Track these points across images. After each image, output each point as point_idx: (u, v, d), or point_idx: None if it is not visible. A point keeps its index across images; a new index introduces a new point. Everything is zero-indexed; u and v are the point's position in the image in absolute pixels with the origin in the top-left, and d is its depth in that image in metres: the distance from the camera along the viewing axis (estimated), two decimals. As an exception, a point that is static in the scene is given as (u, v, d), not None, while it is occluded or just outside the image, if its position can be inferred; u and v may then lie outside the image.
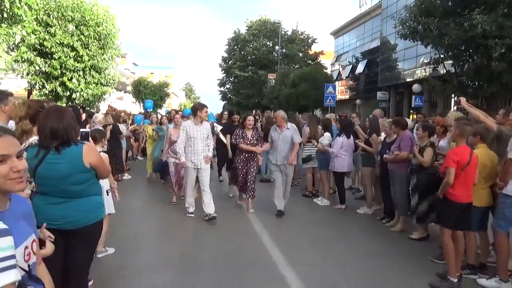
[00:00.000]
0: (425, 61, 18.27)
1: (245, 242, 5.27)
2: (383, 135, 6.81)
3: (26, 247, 1.39)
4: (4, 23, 9.67)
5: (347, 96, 35.04)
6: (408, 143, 5.70)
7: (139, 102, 43.65)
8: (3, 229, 1.06)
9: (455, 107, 5.28)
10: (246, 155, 6.83)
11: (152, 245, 5.12)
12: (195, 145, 6.17)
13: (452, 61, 11.87)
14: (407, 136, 5.86)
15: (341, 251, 5.01)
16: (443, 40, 10.46)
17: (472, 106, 5.02)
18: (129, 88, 45.51)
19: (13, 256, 1.06)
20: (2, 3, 9.09)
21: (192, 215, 6.37)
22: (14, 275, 1.05)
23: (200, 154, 6.19)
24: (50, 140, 2.59)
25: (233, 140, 7.02)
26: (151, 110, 16.90)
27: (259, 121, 11.52)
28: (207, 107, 6.39)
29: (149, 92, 42.26)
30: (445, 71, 12.55)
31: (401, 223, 5.96)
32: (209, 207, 6.17)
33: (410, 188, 5.54)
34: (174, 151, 6.89)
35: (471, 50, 10.60)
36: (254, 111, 23.35)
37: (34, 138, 3.10)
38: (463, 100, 5.11)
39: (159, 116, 11.42)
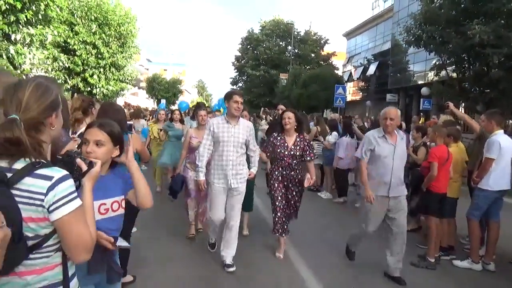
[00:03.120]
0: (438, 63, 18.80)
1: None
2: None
3: (104, 204, 1.93)
4: (40, 24, 10.56)
5: (358, 97, 35.49)
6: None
7: (153, 98, 44.77)
8: (67, 174, 1.32)
9: (446, 111, 5.78)
10: (284, 172, 4.53)
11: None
12: (225, 154, 4.08)
13: (454, 67, 12.44)
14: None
15: (336, 233, 5.69)
16: (445, 48, 11.06)
17: (458, 111, 5.68)
18: (142, 84, 46.61)
19: (76, 191, 1.34)
20: (38, 5, 9.96)
21: (213, 250, 4.69)
22: (79, 202, 1.34)
23: (233, 167, 4.10)
24: None
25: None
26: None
27: (264, 119, 10.73)
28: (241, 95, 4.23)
29: (163, 89, 43.38)
30: (447, 76, 13.12)
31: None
32: (229, 251, 4.25)
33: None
34: (195, 161, 4.77)
35: (471, 58, 11.17)
36: (262, 108, 21.18)
37: (83, 127, 3.88)
38: (451, 105, 5.75)
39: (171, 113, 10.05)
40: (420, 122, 11.74)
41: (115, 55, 18.58)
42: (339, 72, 36.64)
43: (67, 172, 1.32)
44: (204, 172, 4.18)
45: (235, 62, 43.05)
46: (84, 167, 1.53)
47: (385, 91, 28.03)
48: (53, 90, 1.39)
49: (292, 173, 4.56)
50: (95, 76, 18.36)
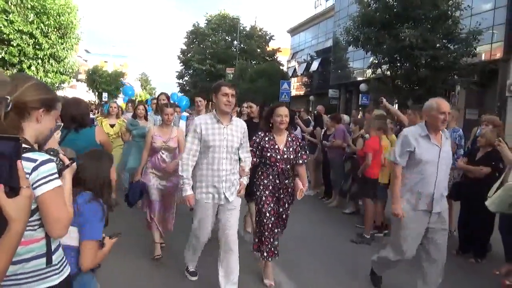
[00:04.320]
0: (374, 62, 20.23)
1: None
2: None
3: None
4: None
5: (302, 92, 36.77)
6: (341, 134, 7.03)
7: (93, 91, 42.95)
8: (50, 158, 1.47)
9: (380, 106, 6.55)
10: (276, 181, 3.69)
11: None
12: (217, 162, 3.30)
13: (388, 66, 13.63)
14: (340, 128, 7.19)
15: (332, 245, 5.50)
16: (380, 48, 12.14)
17: (390, 105, 6.44)
18: (81, 76, 44.51)
19: (57, 174, 1.49)
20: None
21: (195, 278, 3.83)
22: (60, 182, 1.49)
23: (227, 178, 3.34)
24: (71, 122, 3.54)
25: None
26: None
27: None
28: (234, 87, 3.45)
29: (104, 82, 41.76)
30: (382, 74, 14.34)
31: (337, 201, 7.30)
32: (231, 279, 3.44)
33: (345, 172, 6.83)
34: (158, 166, 4.24)
35: (402, 58, 12.35)
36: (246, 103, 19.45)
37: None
38: (384, 100, 6.49)
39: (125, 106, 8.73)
40: (358, 117, 12.76)
41: (54, 46, 17.77)
42: (284, 68, 37.71)
43: (50, 157, 1.47)
44: (191, 185, 3.32)
45: (181, 55, 42.57)
46: (67, 161, 1.71)
47: (327, 87, 29.42)
48: (53, 93, 1.62)
49: (286, 181, 3.68)
50: (33, 68, 17.48)
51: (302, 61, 36.53)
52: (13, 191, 1.12)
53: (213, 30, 39.93)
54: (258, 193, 3.71)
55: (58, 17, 17.19)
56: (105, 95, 36.45)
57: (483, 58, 15.01)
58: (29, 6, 16.47)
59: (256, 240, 3.81)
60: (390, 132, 6.14)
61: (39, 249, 1.48)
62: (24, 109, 1.47)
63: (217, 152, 3.27)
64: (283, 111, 3.69)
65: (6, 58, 16.62)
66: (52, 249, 1.52)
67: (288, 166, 3.72)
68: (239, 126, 3.42)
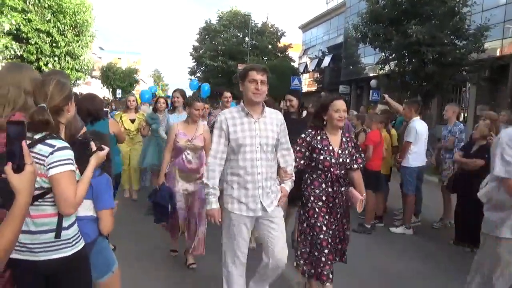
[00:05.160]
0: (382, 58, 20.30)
1: None
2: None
3: None
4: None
5: (313, 88, 36.83)
6: (345, 128, 7.26)
7: (108, 87, 43.69)
8: (67, 146, 1.74)
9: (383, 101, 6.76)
10: (330, 190, 3.07)
11: None
12: (250, 164, 2.67)
13: (396, 63, 13.73)
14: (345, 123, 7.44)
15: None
16: (388, 45, 12.27)
17: (392, 101, 6.67)
18: (95, 73, 45.32)
19: (72, 160, 1.74)
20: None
21: None
22: (72, 168, 1.73)
23: (263, 183, 2.69)
24: (86, 116, 3.87)
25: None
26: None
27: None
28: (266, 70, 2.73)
29: (118, 78, 42.45)
30: (390, 70, 14.45)
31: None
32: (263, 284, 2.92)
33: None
34: (183, 167, 3.78)
35: (410, 54, 12.46)
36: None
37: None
38: (387, 96, 6.74)
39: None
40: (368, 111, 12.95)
41: (70, 44, 18.30)
42: (295, 64, 37.78)
43: (68, 145, 1.72)
44: (218, 196, 2.70)
45: (193, 52, 42.96)
46: (93, 146, 2.01)
47: (338, 82, 29.45)
48: (68, 85, 1.93)
49: (342, 189, 3.10)
50: (49, 65, 18.01)
51: (314, 57, 36.54)
52: (19, 167, 1.28)
53: (224, 26, 40.18)
54: (308, 205, 3.04)
55: (74, 15, 17.71)
56: (119, 91, 37.11)
57: (495, 54, 14.96)
58: (46, 5, 17.01)
59: (303, 260, 3.08)
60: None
61: (52, 224, 1.74)
62: (59, 109, 1.83)
63: (248, 152, 2.62)
64: (341, 105, 3.06)
65: (24, 56, 17.20)
66: (67, 226, 1.77)
67: (343, 172, 3.10)
68: (274, 119, 2.75)
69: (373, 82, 23.20)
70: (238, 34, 40.80)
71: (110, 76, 42.10)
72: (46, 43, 17.45)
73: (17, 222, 1.26)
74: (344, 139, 3.17)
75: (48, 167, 1.67)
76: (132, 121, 6.16)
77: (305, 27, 40.11)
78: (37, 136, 1.69)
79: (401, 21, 12.01)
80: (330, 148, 3.07)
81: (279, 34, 40.66)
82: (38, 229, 1.71)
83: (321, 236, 2.98)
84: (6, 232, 1.22)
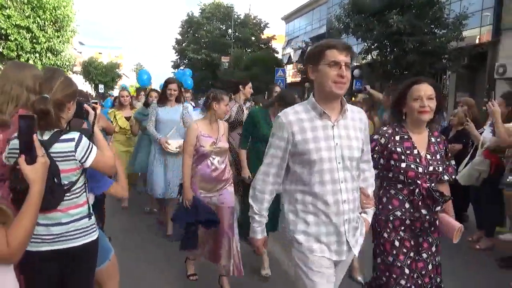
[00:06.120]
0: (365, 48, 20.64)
1: None
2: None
3: None
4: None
5: (298, 79, 37.01)
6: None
7: (90, 83, 43.06)
8: (80, 134, 1.83)
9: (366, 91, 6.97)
10: (415, 213, 2.23)
11: None
12: (329, 187, 1.82)
13: (378, 52, 14.03)
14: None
15: None
16: (370, 35, 12.53)
17: (374, 91, 6.89)
18: (76, 68, 44.56)
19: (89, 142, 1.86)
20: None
21: None
22: (95, 147, 1.88)
23: (349, 212, 1.86)
24: None
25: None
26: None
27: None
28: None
29: (100, 73, 41.90)
30: (372, 60, 14.76)
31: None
32: None
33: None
34: (208, 176, 3.14)
35: (391, 44, 12.75)
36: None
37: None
38: (368, 87, 6.95)
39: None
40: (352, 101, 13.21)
41: (51, 40, 17.99)
42: (279, 55, 37.88)
43: (78, 132, 1.82)
44: (264, 224, 2.00)
45: (176, 45, 42.61)
46: (89, 109, 2.09)
47: (322, 73, 29.62)
48: (75, 85, 2.04)
49: (436, 209, 2.21)
50: (30, 61, 17.68)
51: (297, 48, 36.61)
52: (31, 159, 1.38)
53: (207, 19, 39.94)
54: (384, 236, 2.22)
55: (54, 10, 17.38)
56: (101, 86, 36.67)
57: (473, 41, 15.38)
58: (25, 0, 16.67)
59: None
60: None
61: (85, 211, 1.90)
62: (62, 104, 1.90)
63: (327, 172, 1.80)
64: (426, 89, 2.15)
65: (4, 53, 16.86)
66: (91, 212, 1.95)
67: (434, 185, 2.23)
68: (357, 121, 1.89)
69: (356, 72, 23.45)
70: (221, 26, 40.61)
71: (91, 71, 41.47)
72: (26, 39, 17.13)
73: (33, 209, 1.36)
74: (433, 139, 2.27)
75: (81, 160, 1.80)
76: (128, 118, 5.43)
77: (288, 18, 40.12)
78: (45, 137, 1.73)
79: (382, 11, 12.25)
80: (415, 152, 2.19)
81: (262, 25, 40.62)
82: (74, 218, 1.84)
83: (402, 282, 2.13)
84: (24, 221, 1.32)
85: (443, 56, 13.13)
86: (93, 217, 1.95)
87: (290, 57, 38.53)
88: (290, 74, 37.54)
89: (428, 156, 2.21)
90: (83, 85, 45.82)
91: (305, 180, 1.83)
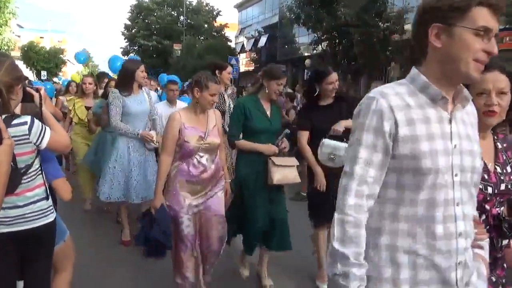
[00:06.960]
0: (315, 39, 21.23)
1: None
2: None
3: None
4: None
5: (251, 68, 37.17)
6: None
7: (31, 69, 40.41)
8: (32, 117, 1.83)
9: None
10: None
11: None
12: (440, 216, 1.15)
13: (327, 43, 14.58)
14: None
15: None
16: (320, 26, 13.00)
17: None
18: (14, 53, 41.58)
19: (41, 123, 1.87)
20: None
21: None
22: (48, 128, 1.89)
23: (465, 258, 1.21)
24: None
25: None
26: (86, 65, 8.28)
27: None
28: None
29: (42, 59, 39.38)
30: (322, 51, 15.31)
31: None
32: None
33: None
34: (193, 176, 2.64)
35: (339, 35, 13.32)
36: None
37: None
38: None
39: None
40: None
41: (-13, 22, 16.75)
42: (232, 44, 37.81)
43: (31, 116, 1.83)
44: (364, 274, 1.17)
45: (125, 31, 41.09)
46: (33, 91, 2.06)
47: (275, 62, 29.95)
48: (21, 70, 2.07)
49: (504, 243, 1.58)
50: (-36, 45, 16.39)
51: (250, 36, 36.71)
52: None
53: (157, 4, 38.84)
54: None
55: (-11, -10, 16.19)
56: (43, 73, 34.54)
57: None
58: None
59: None
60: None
61: (41, 193, 1.94)
62: (11, 86, 1.88)
63: (441, 188, 1.17)
64: (496, 78, 1.48)
65: None
66: (48, 194, 2.00)
67: (503, 209, 1.66)
68: (470, 114, 1.30)
69: (307, 62, 24.06)
70: (172, 12, 39.68)
71: (32, 56, 38.84)
72: (-43, 20, 15.82)
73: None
74: (499, 145, 1.64)
75: (37, 142, 1.82)
76: (88, 108, 4.85)
77: (240, 6, 39.97)
78: None
79: (331, 3, 12.74)
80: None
81: (214, 13, 40.21)
82: (31, 200, 1.88)
83: None
84: None
85: (388, 48, 13.89)
86: (50, 199, 2.00)
87: (243, 45, 38.57)
88: (244, 63, 37.66)
89: (498, 169, 1.57)
90: (24, 72, 42.90)
91: (403, 199, 1.17)
